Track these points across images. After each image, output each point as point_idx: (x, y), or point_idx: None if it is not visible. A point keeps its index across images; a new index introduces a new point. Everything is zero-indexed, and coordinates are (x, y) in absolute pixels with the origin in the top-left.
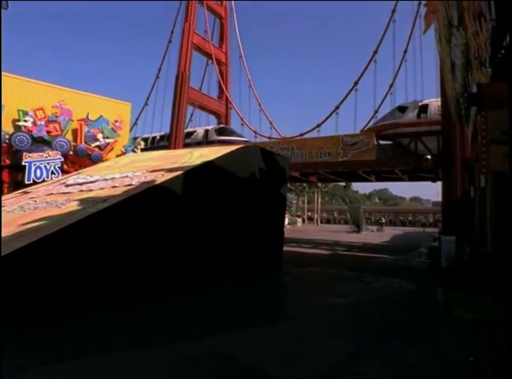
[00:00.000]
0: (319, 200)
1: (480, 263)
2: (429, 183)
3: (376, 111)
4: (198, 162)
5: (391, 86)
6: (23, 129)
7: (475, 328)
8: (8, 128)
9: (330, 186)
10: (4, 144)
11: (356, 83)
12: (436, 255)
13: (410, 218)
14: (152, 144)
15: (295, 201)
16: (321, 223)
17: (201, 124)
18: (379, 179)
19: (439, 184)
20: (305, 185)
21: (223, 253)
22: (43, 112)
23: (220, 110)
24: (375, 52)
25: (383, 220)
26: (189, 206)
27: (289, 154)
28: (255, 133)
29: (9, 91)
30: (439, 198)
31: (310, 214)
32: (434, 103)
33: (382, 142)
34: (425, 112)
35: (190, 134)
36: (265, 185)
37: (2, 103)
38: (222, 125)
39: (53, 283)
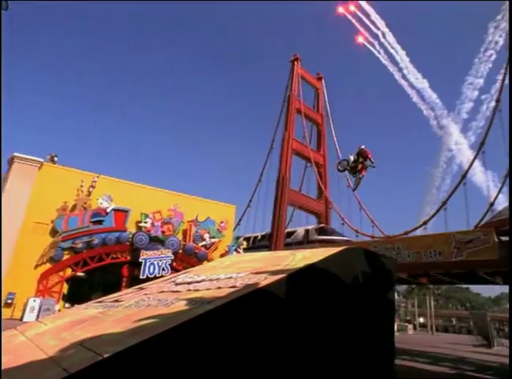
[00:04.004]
0: (432, 303)
1: None
2: None
3: (491, 204)
4: (301, 264)
5: (506, 177)
6: (143, 229)
7: None
8: (132, 228)
9: (444, 288)
10: (127, 243)
11: (464, 176)
12: None
13: None
14: (254, 244)
15: (403, 304)
16: (437, 330)
17: (301, 224)
18: (508, 282)
19: None
20: (413, 286)
21: (326, 365)
22: (160, 214)
23: (320, 209)
24: (482, 143)
25: None
26: (292, 310)
27: (394, 254)
28: (356, 232)
29: (136, 197)
30: None
31: (422, 319)
32: None
33: (504, 238)
34: None
35: (290, 234)
36: (371, 290)
37: (129, 207)
38: (322, 225)
39: None
